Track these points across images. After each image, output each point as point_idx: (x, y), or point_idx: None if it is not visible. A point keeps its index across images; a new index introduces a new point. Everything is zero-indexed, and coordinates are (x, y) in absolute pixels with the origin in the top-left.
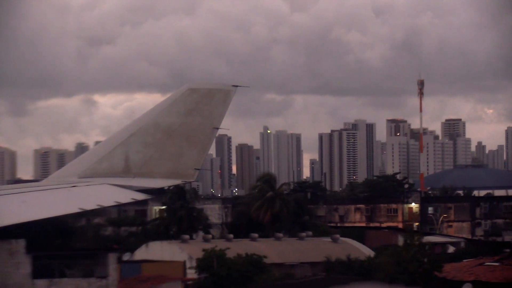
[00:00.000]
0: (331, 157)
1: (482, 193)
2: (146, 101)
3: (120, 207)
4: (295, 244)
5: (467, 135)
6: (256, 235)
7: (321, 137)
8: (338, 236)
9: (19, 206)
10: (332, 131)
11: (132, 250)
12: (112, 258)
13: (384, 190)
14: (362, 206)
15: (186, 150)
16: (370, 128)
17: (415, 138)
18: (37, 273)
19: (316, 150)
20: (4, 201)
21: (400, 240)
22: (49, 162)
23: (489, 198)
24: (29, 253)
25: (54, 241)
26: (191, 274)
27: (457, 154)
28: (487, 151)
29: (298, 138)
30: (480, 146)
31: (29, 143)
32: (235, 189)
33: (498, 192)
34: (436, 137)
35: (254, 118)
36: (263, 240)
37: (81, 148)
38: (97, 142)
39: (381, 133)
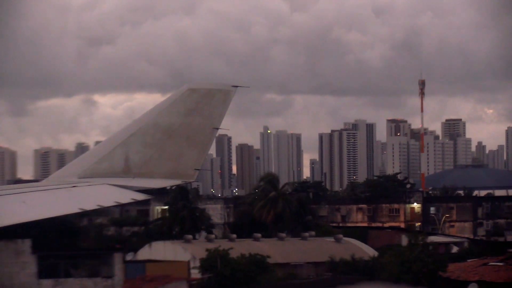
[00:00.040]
0: (331, 157)
1: (483, 193)
2: (146, 101)
3: (122, 207)
4: (298, 244)
5: (467, 135)
6: (259, 235)
7: (321, 137)
8: (341, 236)
9: (19, 206)
10: (332, 131)
11: (135, 250)
12: (117, 258)
13: (385, 190)
14: (364, 206)
15: (186, 150)
16: (370, 128)
17: (415, 138)
18: (43, 273)
19: (316, 150)
20: (4, 201)
21: (403, 240)
22: (49, 162)
23: (491, 198)
24: (35, 253)
25: (59, 241)
26: (194, 274)
27: (458, 154)
28: (487, 151)
29: (298, 138)
30: (480, 146)
31: (29, 143)
32: (235, 189)
33: (499, 192)
34: (437, 137)
35: (254, 118)
36: (266, 240)
37: (81, 148)
38: (97, 142)
39: (381, 133)
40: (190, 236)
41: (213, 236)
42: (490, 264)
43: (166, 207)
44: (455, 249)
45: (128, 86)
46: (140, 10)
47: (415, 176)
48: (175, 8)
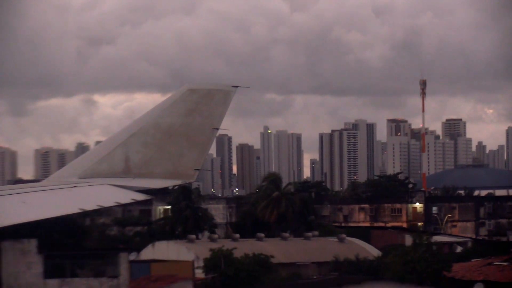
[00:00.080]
0: (332, 157)
1: (483, 193)
2: (146, 101)
3: (124, 207)
4: (302, 244)
5: (468, 135)
6: (262, 235)
7: (321, 137)
8: (344, 236)
9: (19, 206)
10: (333, 131)
11: (138, 250)
12: (123, 257)
13: (386, 190)
14: (366, 206)
15: (186, 150)
16: (370, 128)
17: (415, 138)
18: (48, 273)
19: (317, 150)
20: (4, 202)
21: (407, 240)
22: (49, 162)
23: (493, 198)
24: (41, 253)
25: (65, 241)
26: (198, 274)
27: (458, 154)
28: (487, 151)
29: (298, 138)
30: (481, 146)
31: (30, 143)
32: (235, 189)
33: (499, 192)
34: (437, 137)
35: (254, 118)
36: (270, 240)
37: (82, 148)
38: (97, 142)
39: (381, 133)
40: (193, 236)
41: (216, 236)
42: (494, 264)
43: (169, 207)
44: (459, 249)
45: (128, 86)
46: (140, 10)
47: (416, 176)
48: (175, 8)
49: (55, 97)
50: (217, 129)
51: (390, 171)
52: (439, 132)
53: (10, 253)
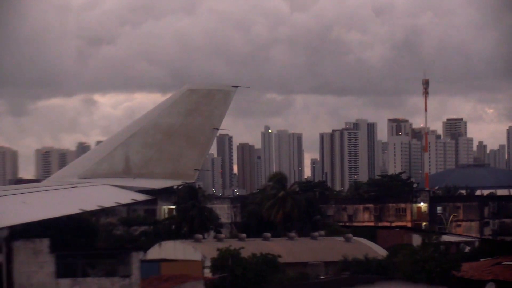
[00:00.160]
0: (333, 157)
1: (485, 192)
2: (146, 101)
3: (129, 206)
4: (309, 243)
5: (468, 135)
6: (268, 234)
7: (322, 136)
8: (351, 235)
9: (20, 207)
10: (334, 130)
11: (144, 249)
12: (135, 257)
13: (389, 190)
14: (370, 205)
15: (186, 150)
16: (371, 127)
17: (416, 138)
18: (60, 272)
19: (317, 150)
20: (4, 202)
21: (414, 240)
22: (50, 161)
23: (497, 197)
24: (53, 252)
25: (77, 241)
26: (205, 273)
27: (459, 153)
28: (488, 151)
29: (299, 137)
30: (481, 146)
31: (30, 143)
32: (236, 189)
33: (500, 192)
34: (438, 137)
35: (254, 118)
36: (276, 239)
37: (82, 148)
38: (98, 142)
39: (382, 133)
40: (200, 236)
41: (222, 235)
42: (503, 263)
43: (173, 206)
44: (467, 249)
45: (128, 86)
46: (140, 10)
47: (417, 176)
48: (175, 8)
49: (56, 97)
50: (217, 129)
51: (391, 171)
52: (439, 131)
53: (22, 253)
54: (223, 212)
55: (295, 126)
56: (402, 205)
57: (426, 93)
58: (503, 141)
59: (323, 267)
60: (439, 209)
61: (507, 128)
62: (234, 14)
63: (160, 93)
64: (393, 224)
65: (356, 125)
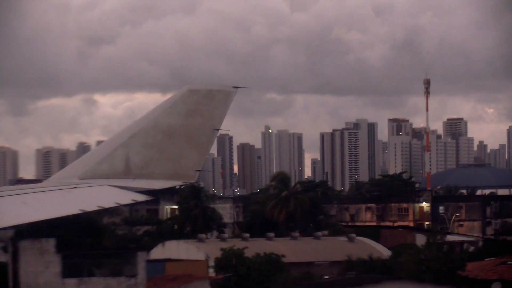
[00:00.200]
0: (333, 157)
1: (486, 192)
2: (146, 101)
3: (132, 206)
4: (312, 243)
5: (469, 135)
6: (272, 234)
7: (322, 136)
8: (354, 235)
9: (20, 207)
10: (334, 130)
11: (147, 249)
12: (140, 257)
13: (390, 190)
14: (373, 205)
15: (187, 151)
16: (371, 127)
17: (417, 138)
18: (66, 272)
19: (317, 149)
20: (4, 202)
21: (418, 239)
22: (51, 161)
23: (499, 197)
24: (59, 252)
25: (83, 240)
26: (210, 273)
27: (460, 153)
28: (488, 151)
29: (299, 137)
30: (482, 146)
31: (30, 143)
32: (236, 189)
33: (501, 191)
34: (439, 137)
35: (254, 118)
36: (280, 239)
37: (83, 148)
38: (99, 142)
39: (382, 133)
40: (203, 236)
41: (226, 235)
42: (508, 263)
43: (176, 206)
44: (471, 249)
45: (128, 85)
46: (140, 10)
47: (418, 176)
48: (175, 8)
49: (56, 97)
50: (218, 129)
51: (391, 170)
52: (440, 131)
53: (28, 253)
54: (225, 212)
55: (295, 126)
56: (405, 205)
57: (427, 92)
58: (504, 140)
59: (328, 266)
60: (441, 209)
61: (507, 128)
62: (234, 14)
63: (160, 93)
64: (396, 224)
65: (356, 125)
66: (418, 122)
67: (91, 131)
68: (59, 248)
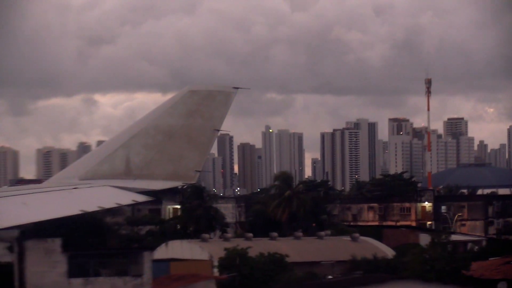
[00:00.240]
0: (333, 156)
1: (486, 191)
2: (147, 100)
3: (134, 206)
4: (315, 243)
5: (469, 134)
6: (275, 234)
7: (323, 136)
8: (358, 235)
9: (20, 208)
10: (334, 130)
11: (151, 249)
12: (146, 257)
13: (392, 189)
14: (375, 205)
15: (187, 152)
16: (372, 127)
17: (417, 137)
18: (72, 272)
19: (318, 149)
20: (5, 203)
21: (421, 239)
22: (51, 161)
23: (501, 197)
24: (65, 252)
25: (89, 240)
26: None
27: (460, 153)
28: (489, 150)
29: (300, 137)
30: (482, 145)
31: (31, 143)
32: (237, 189)
33: (502, 191)
34: (439, 136)
35: (255, 118)
36: (283, 239)
37: (83, 148)
38: (99, 142)
39: (383, 132)
40: (207, 235)
41: (229, 235)
42: None
43: (178, 206)
44: (475, 248)
45: (128, 85)
46: (140, 10)
47: (418, 175)
48: (175, 8)
49: (56, 97)
50: (218, 130)
51: (392, 170)
52: (440, 131)
53: (34, 253)
54: (228, 211)
55: (295, 126)
56: (407, 205)
57: (428, 92)
58: (504, 140)
59: (331, 266)
60: (443, 208)
61: (508, 127)
62: (234, 14)
63: (160, 93)
64: (398, 224)
65: (356, 125)
66: (418, 122)
67: (91, 131)
68: (65, 248)
